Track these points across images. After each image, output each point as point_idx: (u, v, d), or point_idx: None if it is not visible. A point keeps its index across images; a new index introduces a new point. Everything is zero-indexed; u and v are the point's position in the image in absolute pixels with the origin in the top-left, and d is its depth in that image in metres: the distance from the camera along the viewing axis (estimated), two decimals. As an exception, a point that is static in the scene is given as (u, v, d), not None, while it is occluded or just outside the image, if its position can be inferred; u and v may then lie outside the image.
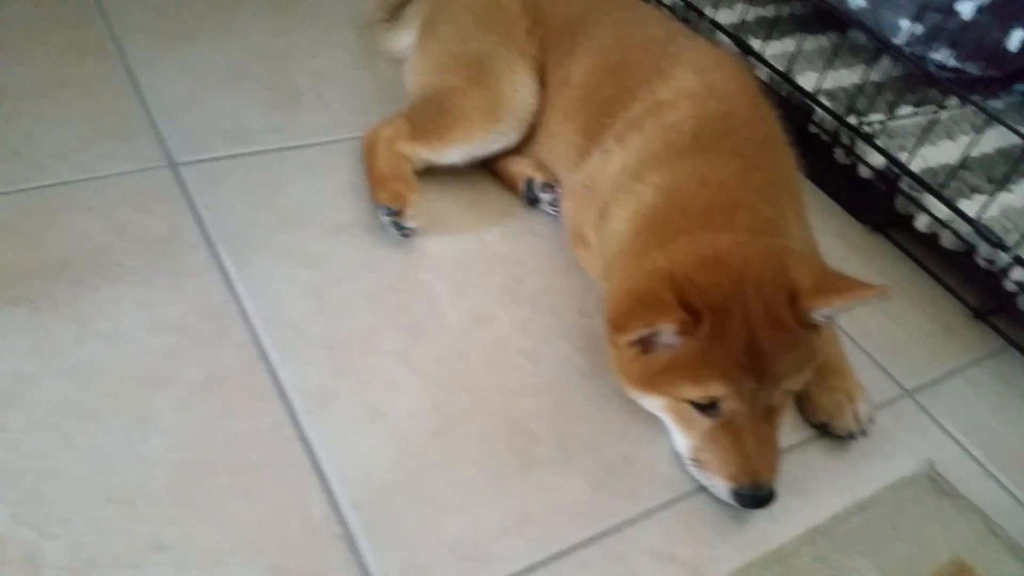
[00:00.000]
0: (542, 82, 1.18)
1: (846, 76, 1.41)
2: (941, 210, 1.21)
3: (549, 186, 1.18)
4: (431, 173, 1.17)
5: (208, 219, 1.08)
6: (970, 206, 1.19)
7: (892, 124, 1.31)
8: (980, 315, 1.23)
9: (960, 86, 1.28)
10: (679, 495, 0.90)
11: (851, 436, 0.98)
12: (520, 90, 1.16)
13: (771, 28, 1.48)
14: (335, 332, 0.97)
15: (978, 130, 1.23)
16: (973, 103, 1.21)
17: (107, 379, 0.87)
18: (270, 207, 1.12)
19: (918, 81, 1.37)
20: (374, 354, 0.96)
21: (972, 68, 1.36)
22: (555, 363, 1.00)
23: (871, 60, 1.39)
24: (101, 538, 0.75)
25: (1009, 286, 1.16)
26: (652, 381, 0.88)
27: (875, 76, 1.39)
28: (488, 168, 1.23)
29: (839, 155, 1.36)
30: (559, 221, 1.17)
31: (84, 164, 1.11)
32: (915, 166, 1.24)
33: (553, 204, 1.18)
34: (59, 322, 0.91)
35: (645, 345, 0.87)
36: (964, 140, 1.28)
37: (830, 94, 1.36)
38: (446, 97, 1.15)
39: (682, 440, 0.89)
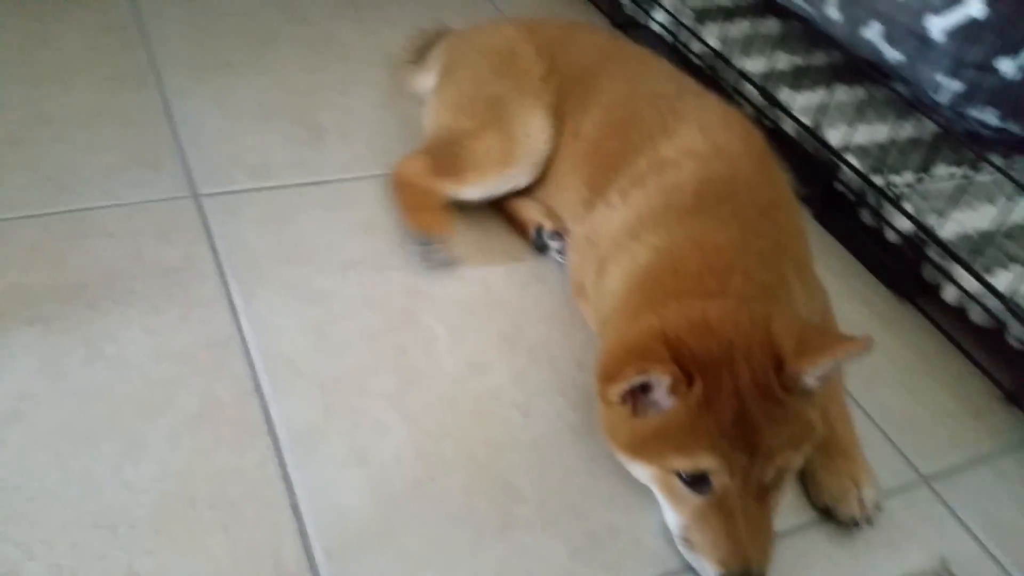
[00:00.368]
0: (560, 128, 1.19)
1: (880, 130, 1.34)
2: (970, 283, 1.12)
3: (558, 234, 1.19)
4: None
5: (222, 250, 1.11)
6: (1005, 278, 1.11)
7: (927, 184, 1.23)
8: (1012, 398, 1.13)
9: (1005, 146, 1.21)
10: (664, 573, 0.86)
11: (855, 524, 0.92)
12: (532, 134, 1.17)
13: (802, 77, 1.44)
14: (330, 370, 0.99)
15: (1017, 195, 1.15)
16: (997, 168, 1.15)
17: (106, 403, 0.90)
18: (282, 240, 1.14)
19: (956, 138, 1.31)
20: (366, 395, 0.97)
21: (1015, 128, 1.29)
22: (547, 418, 0.99)
23: (905, 114, 1.32)
24: (79, 564, 0.77)
25: (1043, 368, 1.08)
26: (641, 447, 0.85)
27: (911, 131, 1.32)
28: (498, 208, 1.24)
29: (865, 216, 1.30)
30: (566, 270, 1.17)
31: (112, 191, 1.16)
32: (949, 231, 1.16)
33: (561, 252, 1.18)
34: (69, 344, 0.95)
35: (635, 405, 0.85)
36: (1005, 204, 1.20)
37: (862, 149, 1.30)
38: (460, 139, 1.18)
39: (672, 516, 0.86)
